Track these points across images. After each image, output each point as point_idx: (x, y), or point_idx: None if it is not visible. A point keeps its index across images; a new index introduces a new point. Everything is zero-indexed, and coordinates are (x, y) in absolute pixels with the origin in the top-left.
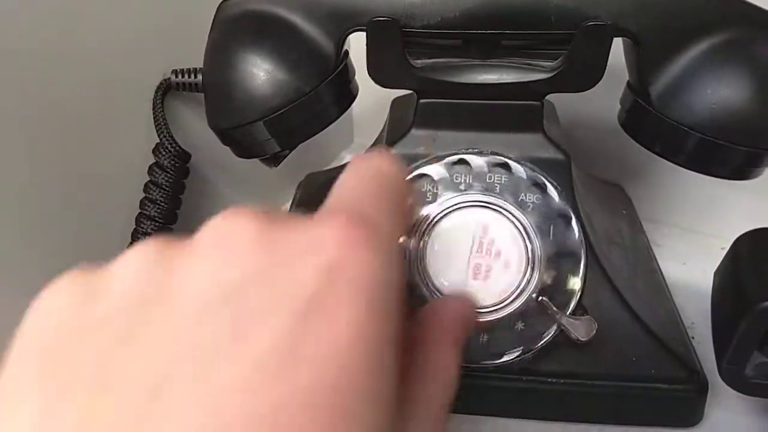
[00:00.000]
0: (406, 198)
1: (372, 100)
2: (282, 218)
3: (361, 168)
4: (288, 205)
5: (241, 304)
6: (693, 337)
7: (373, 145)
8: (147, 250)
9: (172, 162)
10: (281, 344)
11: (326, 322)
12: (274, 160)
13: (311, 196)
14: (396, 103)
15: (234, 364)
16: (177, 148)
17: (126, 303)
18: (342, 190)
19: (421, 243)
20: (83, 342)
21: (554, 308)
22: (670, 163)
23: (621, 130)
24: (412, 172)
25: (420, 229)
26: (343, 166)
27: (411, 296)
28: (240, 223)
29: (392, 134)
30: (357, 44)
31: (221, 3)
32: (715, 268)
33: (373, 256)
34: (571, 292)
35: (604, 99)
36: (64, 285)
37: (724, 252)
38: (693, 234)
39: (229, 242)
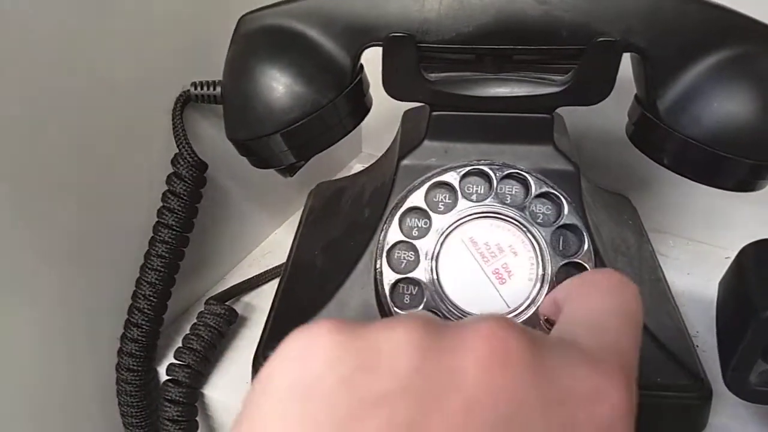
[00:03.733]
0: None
1: (380, 112)
2: (552, 343)
3: (620, 295)
4: (297, 213)
5: (537, 418)
6: (697, 346)
7: (384, 155)
8: (420, 335)
9: (190, 172)
10: None
11: None
12: (289, 170)
13: (322, 204)
14: (408, 115)
15: None
16: (195, 158)
17: (412, 384)
18: (606, 323)
19: (436, 250)
20: (369, 412)
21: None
22: (676, 175)
23: (627, 143)
24: (430, 180)
25: (434, 237)
26: (354, 176)
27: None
28: (512, 340)
29: (405, 146)
30: (367, 57)
31: (241, 17)
32: (720, 278)
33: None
34: None
35: (612, 112)
36: (329, 333)
37: (729, 262)
38: (698, 244)
39: (502, 356)
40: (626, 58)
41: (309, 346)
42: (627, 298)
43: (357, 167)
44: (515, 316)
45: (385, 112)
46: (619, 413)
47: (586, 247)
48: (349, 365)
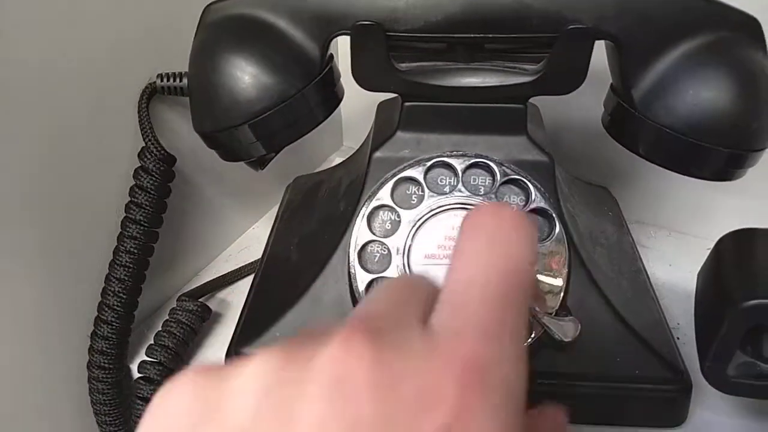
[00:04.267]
0: (530, 293)
1: (361, 104)
2: (394, 347)
3: (490, 240)
4: (276, 208)
5: None
6: (678, 338)
7: (360, 148)
8: (265, 370)
9: (158, 166)
10: None
11: None
12: (259, 163)
13: (299, 198)
14: (382, 106)
15: None
16: (162, 151)
17: (248, 427)
18: (462, 290)
19: (406, 246)
20: None
21: (537, 309)
22: (656, 166)
23: (606, 133)
24: (396, 176)
25: (405, 232)
26: (332, 169)
27: None
28: (353, 361)
29: (378, 137)
30: (344, 48)
31: (207, 6)
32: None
33: (491, 422)
34: (555, 293)
35: (589, 102)
36: (187, 384)
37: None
38: (679, 235)
39: (345, 385)
40: (602, 48)
41: (166, 398)
42: (508, 251)
43: (337, 161)
44: None
45: (366, 105)
46: (456, 413)
47: (560, 238)
48: (195, 415)
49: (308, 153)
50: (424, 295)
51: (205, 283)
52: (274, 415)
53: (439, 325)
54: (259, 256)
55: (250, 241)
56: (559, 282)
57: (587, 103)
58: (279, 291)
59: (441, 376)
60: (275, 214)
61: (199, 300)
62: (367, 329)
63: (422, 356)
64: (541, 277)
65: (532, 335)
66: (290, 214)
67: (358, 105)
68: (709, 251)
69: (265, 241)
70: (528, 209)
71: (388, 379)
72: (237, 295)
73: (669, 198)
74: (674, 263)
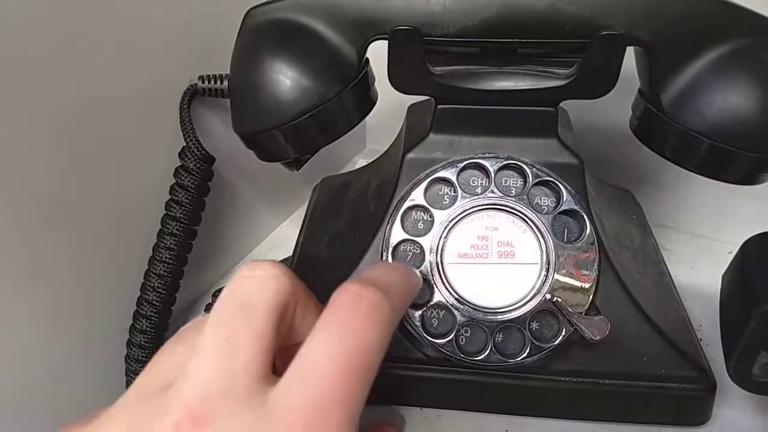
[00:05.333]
0: (375, 369)
1: (383, 107)
2: (221, 423)
3: (342, 321)
4: (302, 208)
5: None
6: (701, 339)
7: (389, 150)
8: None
9: (198, 165)
10: None
11: None
12: (295, 164)
13: (327, 198)
14: (412, 109)
15: None
16: (202, 151)
17: None
18: (306, 366)
19: (439, 245)
20: None
21: (568, 308)
22: (678, 170)
23: (630, 137)
24: (429, 176)
25: (438, 232)
26: (359, 171)
27: (430, 296)
28: None
29: (410, 139)
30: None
31: (248, 11)
32: (722, 271)
33: None
34: (585, 293)
35: (615, 107)
36: None
37: (731, 256)
38: (700, 239)
39: None
40: (630, 52)
41: None
42: (349, 323)
43: (361, 162)
44: (523, 305)
45: (389, 107)
46: None
47: (590, 238)
48: None
49: (332, 154)
50: (260, 340)
51: None
52: None
53: (280, 396)
54: (287, 255)
55: (278, 239)
56: (588, 282)
57: (611, 107)
58: (311, 289)
59: None
60: (302, 214)
61: None
62: (193, 420)
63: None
64: (570, 279)
65: (563, 333)
66: (319, 214)
67: (381, 107)
68: (733, 254)
69: (294, 241)
70: (559, 211)
71: None
72: None
73: (690, 202)
74: (695, 266)
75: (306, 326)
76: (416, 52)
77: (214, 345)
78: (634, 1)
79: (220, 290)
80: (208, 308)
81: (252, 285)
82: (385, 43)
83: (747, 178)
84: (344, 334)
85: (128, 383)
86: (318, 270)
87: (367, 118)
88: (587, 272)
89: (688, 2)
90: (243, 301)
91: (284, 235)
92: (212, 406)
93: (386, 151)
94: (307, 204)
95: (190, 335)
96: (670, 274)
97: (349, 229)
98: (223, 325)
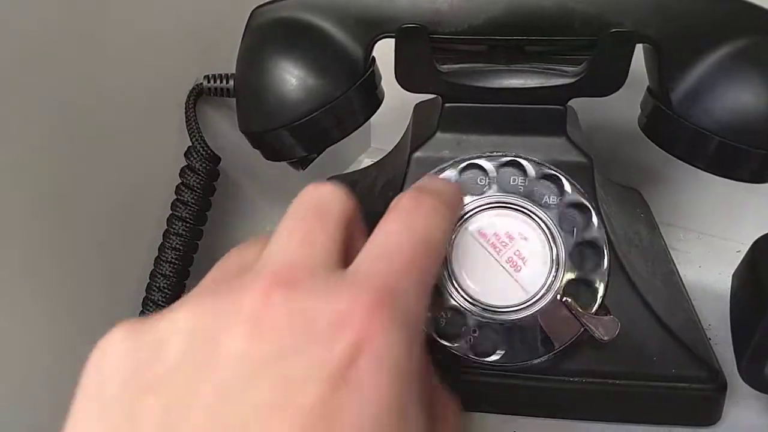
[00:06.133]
0: (440, 260)
1: (388, 106)
2: (308, 290)
3: (408, 216)
4: None
5: (280, 375)
6: (710, 339)
7: (395, 149)
8: (190, 316)
9: (203, 165)
10: (317, 413)
11: (356, 396)
12: (302, 163)
13: None
14: (419, 107)
15: (276, 430)
16: (208, 151)
17: (178, 366)
18: (379, 247)
19: (448, 245)
20: (142, 399)
21: (578, 308)
22: (686, 169)
23: (638, 135)
24: (436, 175)
25: None
26: (365, 170)
27: (440, 299)
28: (275, 305)
29: (417, 138)
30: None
31: (254, 10)
32: (731, 270)
33: (397, 335)
34: (594, 292)
35: (622, 105)
36: (119, 339)
37: (740, 255)
38: (709, 238)
39: (269, 321)
40: (638, 50)
41: (103, 350)
42: (416, 217)
43: (366, 161)
44: (534, 302)
45: (394, 106)
46: (365, 342)
47: (599, 238)
48: (130, 363)
49: (337, 153)
50: (336, 243)
51: None
52: (201, 352)
53: (356, 269)
54: None
55: None
56: (598, 282)
57: (618, 104)
58: None
59: (352, 303)
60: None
61: None
62: (282, 281)
63: (337, 291)
64: (580, 278)
65: (572, 334)
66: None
67: (385, 106)
68: (742, 253)
69: None
70: (567, 207)
71: (304, 314)
72: None
73: (698, 201)
74: (704, 265)
75: (357, 247)
76: (423, 50)
77: (293, 234)
78: None
79: None
80: None
81: (325, 194)
82: (391, 41)
83: (757, 175)
84: (411, 227)
85: None
86: None
87: (371, 117)
88: (596, 272)
89: None
90: (318, 206)
91: None
92: (300, 273)
93: (392, 150)
94: None
95: (251, 244)
96: (679, 274)
97: None
98: (302, 221)
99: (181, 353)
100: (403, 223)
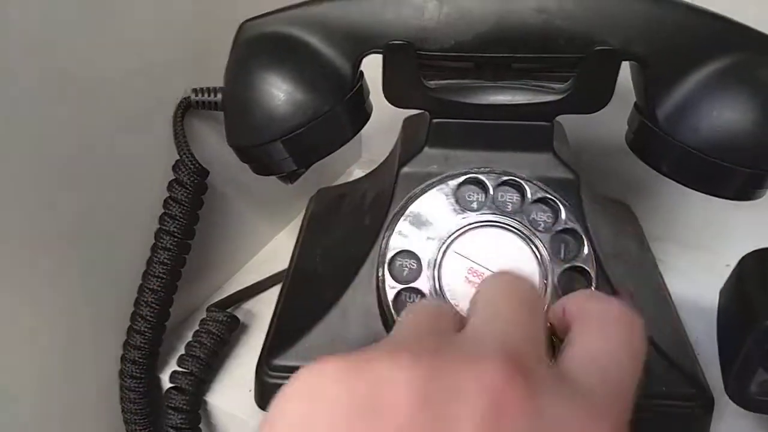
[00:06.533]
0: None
1: (379, 118)
2: (548, 392)
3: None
4: (296, 219)
5: None
6: (698, 354)
7: (384, 162)
8: (417, 376)
9: (192, 178)
10: None
11: None
12: (290, 177)
13: (323, 210)
14: (408, 122)
15: None
16: (196, 164)
17: (404, 424)
18: (492, 311)
19: (437, 260)
20: None
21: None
22: (675, 184)
23: (627, 150)
24: (425, 191)
25: (435, 246)
26: (355, 183)
27: None
28: (510, 397)
29: (405, 153)
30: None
31: (242, 24)
32: (719, 285)
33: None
34: None
35: (612, 120)
36: (333, 378)
37: (729, 270)
38: (697, 252)
39: (500, 418)
40: (626, 67)
41: (314, 385)
42: (634, 333)
43: (357, 173)
44: None
45: (385, 118)
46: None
47: (586, 251)
48: (350, 406)
49: (328, 165)
50: (542, 332)
51: (231, 294)
52: (432, 425)
53: (582, 376)
54: (281, 268)
55: (273, 252)
56: None
57: (607, 119)
58: (307, 303)
59: (595, 422)
60: (297, 225)
61: (227, 310)
62: (521, 367)
63: (571, 400)
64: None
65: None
66: (314, 227)
67: (378, 118)
68: (731, 267)
69: (289, 253)
70: (557, 230)
71: (543, 414)
72: (262, 306)
73: (688, 215)
74: (693, 279)
75: None
76: (410, 66)
77: (508, 314)
78: (629, 16)
79: (213, 305)
80: (203, 323)
81: (530, 287)
82: (380, 55)
83: (743, 193)
84: (626, 342)
85: (122, 398)
86: (313, 283)
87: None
88: (584, 288)
89: (683, 17)
90: (531, 297)
91: (279, 248)
92: (529, 362)
93: (382, 163)
94: (302, 215)
95: (436, 307)
96: (667, 288)
97: (345, 243)
98: (519, 308)
99: (409, 418)
100: (617, 337)
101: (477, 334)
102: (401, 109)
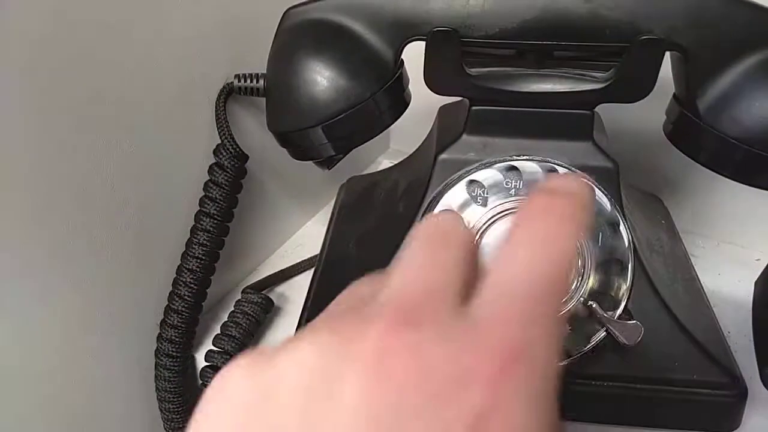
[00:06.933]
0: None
1: (408, 109)
2: (434, 334)
3: (538, 234)
4: (327, 207)
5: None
6: (730, 346)
7: (418, 150)
8: (311, 353)
9: (232, 162)
10: None
11: None
12: (328, 163)
13: (354, 198)
14: (444, 110)
15: None
16: (237, 149)
17: (294, 407)
18: (505, 283)
19: None
20: None
21: (603, 313)
22: (706, 176)
23: (659, 143)
24: (462, 178)
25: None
26: (386, 171)
27: None
28: (398, 350)
29: (442, 140)
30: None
31: (286, 11)
32: (750, 278)
33: (525, 402)
34: (619, 297)
35: (644, 112)
36: (239, 375)
37: (759, 263)
38: (728, 246)
39: (391, 370)
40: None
41: (225, 384)
42: (553, 249)
43: (385, 163)
44: None
45: (414, 109)
46: (491, 409)
47: (625, 243)
48: (250, 402)
49: (357, 154)
50: (460, 266)
51: (266, 277)
52: (320, 395)
53: (481, 310)
54: (313, 254)
55: (305, 238)
56: (622, 287)
57: (639, 111)
58: (340, 288)
59: (480, 360)
60: (327, 213)
61: (262, 293)
62: (405, 321)
63: (462, 341)
64: (604, 283)
65: (596, 337)
66: (346, 214)
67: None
68: (761, 261)
69: (322, 239)
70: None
71: (428, 365)
72: (295, 290)
73: (718, 209)
74: (723, 273)
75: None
76: (453, 54)
77: (415, 258)
78: (674, 6)
79: (249, 287)
80: (238, 304)
81: (446, 220)
82: (417, 44)
83: None
84: (542, 251)
85: (157, 376)
86: (346, 269)
87: None
88: (621, 277)
89: (728, 8)
90: (440, 231)
91: (310, 234)
92: (423, 311)
93: (415, 151)
94: (333, 203)
95: (376, 275)
96: (699, 280)
97: (378, 230)
98: (426, 244)
99: (297, 393)
100: (531, 247)
101: (384, 290)
102: (430, 102)
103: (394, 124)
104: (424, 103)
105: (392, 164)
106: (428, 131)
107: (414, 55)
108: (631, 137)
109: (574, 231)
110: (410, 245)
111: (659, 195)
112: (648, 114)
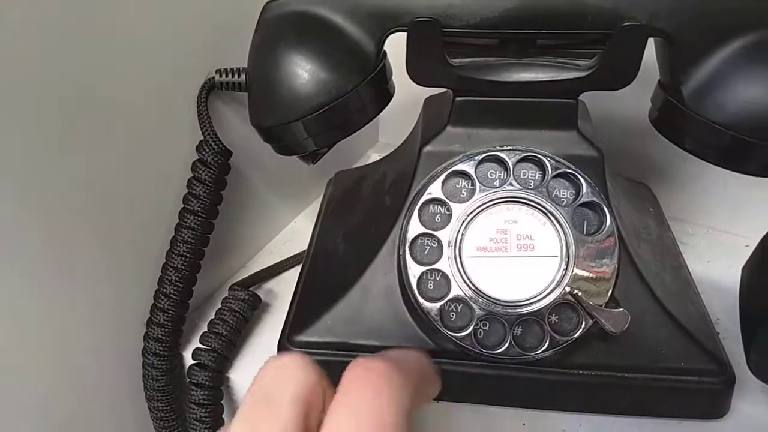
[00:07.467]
0: None
1: (396, 101)
2: None
3: (354, 400)
4: (315, 202)
5: None
6: (718, 333)
7: (404, 143)
8: None
9: (215, 159)
10: None
11: None
12: (312, 157)
13: (341, 192)
14: (429, 101)
15: None
16: (220, 145)
17: None
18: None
19: (457, 239)
20: None
21: (588, 301)
22: (694, 164)
23: (646, 130)
24: (447, 170)
25: (456, 226)
26: (374, 165)
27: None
28: None
29: (427, 132)
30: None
31: (266, 4)
32: (738, 265)
33: None
34: (604, 286)
35: (631, 99)
36: None
37: (748, 250)
38: (717, 232)
39: None
40: (648, 43)
41: None
42: (360, 402)
43: (374, 156)
44: (542, 298)
45: (402, 101)
46: None
47: (610, 231)
48: None
49: (345, 148)
50: (289, 409)
51: (254, 274)
52: None
53: None
54: (301, 249)
55: (293, 234)
56: (608, 275)
57: (625, 98)
58: (328, 282)
59: None
60: (316, 208)
61: (249, 289)
62: None
63: None
64: (590, 271)
65: (582, 326)
66: (334, 208)
67: (395, 102)
68: (750, 247)
69: (308, 235)
70: (579, 203)
71: None
72: (283, 286)
73: (707, 196)
74: (712, 260)
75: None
76: (435, 44)
77: (244, 425)
78: None
79: (236, 284)
80: (225, 301)
81: (277, 376)
82: (400, 36)
83: (766, 169)
84: (357, 413)
85: (145, 375)
86: (333, 263)
87: None
88: (607, 265)
89: None
90: (268, 392)
91: (298, 230)
92: None
93: (402, 144)
94: (320, 198)
95: None
96: (687, 268)
97: (365, 223)
98: (252, 409)
99: None
100: (348, 413)
101: None
102: (418, 94)
103: (383, 117)
104: (412, 95)
105: (381, 157)
106: None
107: (398, 47)
108: (619, 125)
109: (390, 400)
110: (237, 416)
111: (648, 182)
112: (636, 101)
